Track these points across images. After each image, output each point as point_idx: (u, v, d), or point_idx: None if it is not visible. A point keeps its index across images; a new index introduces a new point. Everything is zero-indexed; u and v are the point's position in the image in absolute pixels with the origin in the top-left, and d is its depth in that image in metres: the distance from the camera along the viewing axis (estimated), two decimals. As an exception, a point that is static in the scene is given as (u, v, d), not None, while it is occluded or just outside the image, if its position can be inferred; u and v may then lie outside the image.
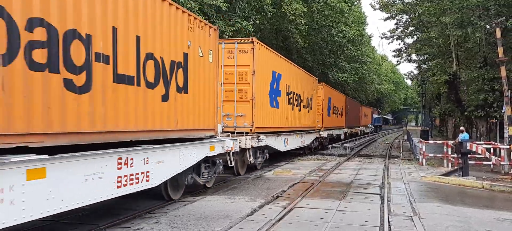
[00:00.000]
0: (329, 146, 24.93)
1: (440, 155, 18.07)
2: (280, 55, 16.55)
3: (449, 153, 16.96)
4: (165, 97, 7.65)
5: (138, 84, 6.87)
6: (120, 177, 6.33)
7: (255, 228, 6.65)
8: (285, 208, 8.18)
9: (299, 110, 19.21)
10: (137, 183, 6.78)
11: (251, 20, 19.88)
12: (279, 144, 16.01)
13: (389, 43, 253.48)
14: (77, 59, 5.52)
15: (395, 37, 29.55)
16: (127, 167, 6.49)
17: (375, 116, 66.86)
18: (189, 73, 8.54)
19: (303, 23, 24.80)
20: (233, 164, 11.08)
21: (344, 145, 24.63)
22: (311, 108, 21.90)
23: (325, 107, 25.47)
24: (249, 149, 12.73)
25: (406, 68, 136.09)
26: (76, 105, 5.52)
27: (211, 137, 9.73)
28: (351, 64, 37.94)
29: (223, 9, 17.19)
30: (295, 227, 6.91)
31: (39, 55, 4.94)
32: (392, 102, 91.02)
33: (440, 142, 20.67)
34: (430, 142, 22.30)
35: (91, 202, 5.78)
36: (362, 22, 44.65)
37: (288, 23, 24.61)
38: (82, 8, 5.59)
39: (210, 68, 9.59)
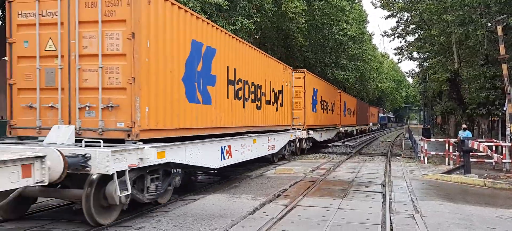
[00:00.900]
0: (330, 144, 24.93)
1: (442, 153, 18.04)
2: (317, 77, 24.75)
3: (451, 151, 16.93)
4: (276, 109, 15.41)
5: (270, 104, 14.50)
6: (269, 145, 14.28)
7: (256, 227, 6.64)
8: (286, 207, 8.17)
9: (327, 113, 26.23)
10: (271, 149, 14.63)
11: (252, 18, 19.87)
12: (317, 136, 22.93)
13: (390, 41, 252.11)
14: (258, 96, 13.10)
15: (396, 35, 29.56)
16: (270, 142, 14.47)
17: (381, 115, 74.04)
18: (283, 95, 16.37)
19: (304, 21, 24.75)
20: (298, 146, 19.35)
21: (346, 143, 24.58)
22: (333, 111, 28.64)
23: (342, 110, 31.81)
24: (303, 138, 20.04)
25: (407, 66, 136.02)
26: (258, 115, 13.10)
27: (288, 129, 17.28)
28: (352, 63, 37.87)
29: (224, 7, 17.18)
30: (297, 225, 6.89)
31: (253, 96, 12.57)
32: (394, 101, 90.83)
33: (442, 140, 20.65)
34: (431, 140, 22.27)
35: (262, 155, 13.69)
36: (363, 20, 44.47)
37: (289, 22, 24.57)
38: (259, 74, 13.33)
39: (289, 91, 17.62)
